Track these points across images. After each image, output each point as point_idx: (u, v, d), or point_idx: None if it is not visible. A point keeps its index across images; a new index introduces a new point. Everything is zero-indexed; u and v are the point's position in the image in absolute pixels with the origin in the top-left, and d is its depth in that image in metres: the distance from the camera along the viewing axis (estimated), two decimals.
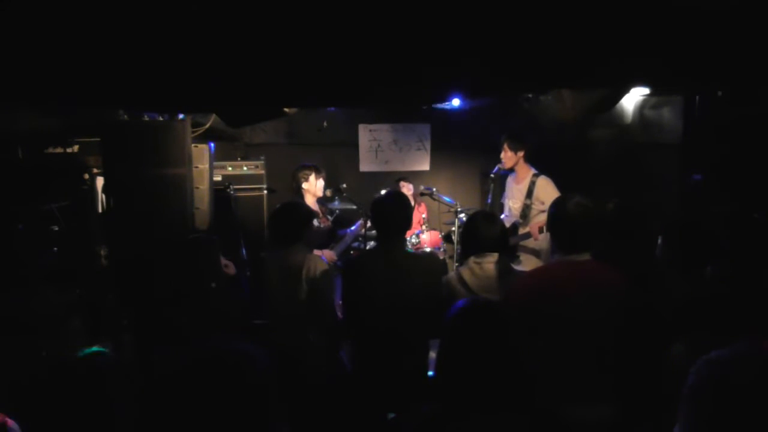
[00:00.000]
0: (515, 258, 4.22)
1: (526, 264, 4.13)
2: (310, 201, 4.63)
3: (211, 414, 1.08)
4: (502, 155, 4.35)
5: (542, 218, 4.03)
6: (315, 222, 4.45)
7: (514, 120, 5.69)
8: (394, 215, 2.81)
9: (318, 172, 4.65)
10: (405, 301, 2.71)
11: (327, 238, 4.68)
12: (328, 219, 4.84)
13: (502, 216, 4.39)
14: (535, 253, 4.19)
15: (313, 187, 4.63)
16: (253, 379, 1.13)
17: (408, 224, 2.87)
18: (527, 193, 4.24)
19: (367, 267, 2.83)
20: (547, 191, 4.16)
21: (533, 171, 4.30)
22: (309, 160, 4.82)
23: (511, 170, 4.41)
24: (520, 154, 4.30)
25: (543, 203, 4.13)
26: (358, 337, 2.89)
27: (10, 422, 1.65)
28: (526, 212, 4.24)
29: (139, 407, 1.54)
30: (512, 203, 4.39)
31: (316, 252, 4.26)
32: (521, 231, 4.26)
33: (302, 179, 4.59)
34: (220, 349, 1.16)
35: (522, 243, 4.23)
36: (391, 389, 2.67)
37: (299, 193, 4.61)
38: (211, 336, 1.22)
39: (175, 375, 1.12)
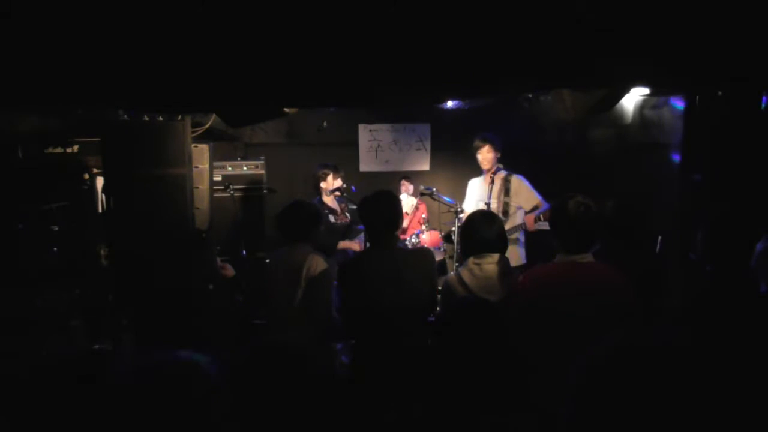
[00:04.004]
0: None
1: (511, 257, 4.28)
2: (329, 199, 4.81)
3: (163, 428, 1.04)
4: (483, 157, 4.44)
5: (520, 214, 4.35)
6: (331, 218, 4.65)
7: (514, 120, 5.70)
8: (383, 213, 2.80)
9: (336, 172, 4.84)
10: (403, 297, 2.71)
11: (344, 235, 4.76)
12: (346, 216, 4.92)
13: None
14: (514, 242, 4.37)
15: (330, 186, 4.82)
16: (199, 390, 1.08)
17: (398, 221, 2.86)
18: (504, 191, 4.39)
19: (364, 267, 2.82)
20: (522, 188, 4.38)
21: (504, 171, 4.45)
22: (309, 159, 4.89)
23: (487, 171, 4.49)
24: (498, 155, 4.45)
25: (519, 200, 4.38)
26: (357, 336, 2.89)
27: None
28: (507, 209, 4.38)
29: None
30: (492, 203, 4.44)
31: (342, 244, 4.42)
32: (507, 227, 4.35)
33: (320, 178, 4.80)
34: (167, 361, 1.11)
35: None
36: (391, 388, 2.67)
37: (317, 190, 4.80)
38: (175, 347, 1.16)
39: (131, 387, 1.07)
